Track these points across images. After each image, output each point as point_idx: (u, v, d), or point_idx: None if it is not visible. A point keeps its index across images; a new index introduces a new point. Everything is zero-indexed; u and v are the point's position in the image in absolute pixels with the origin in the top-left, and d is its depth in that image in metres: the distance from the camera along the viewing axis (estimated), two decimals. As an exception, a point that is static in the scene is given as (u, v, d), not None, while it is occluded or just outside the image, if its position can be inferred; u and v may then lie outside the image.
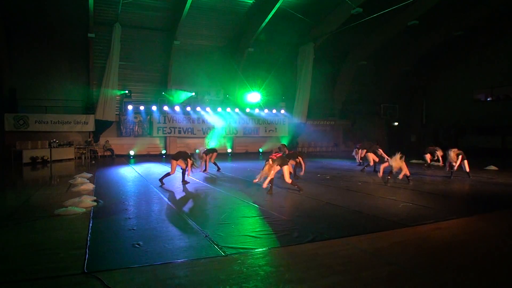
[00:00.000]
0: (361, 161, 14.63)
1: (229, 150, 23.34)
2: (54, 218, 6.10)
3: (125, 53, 20.03)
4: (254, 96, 22.73)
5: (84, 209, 6.61)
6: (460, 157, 10.99)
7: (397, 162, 9.43)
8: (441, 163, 13.84)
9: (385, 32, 22.93)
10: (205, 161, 13.07)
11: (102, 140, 20.38)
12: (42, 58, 19.24)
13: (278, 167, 8.14)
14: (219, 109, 22.49)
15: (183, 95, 21.75)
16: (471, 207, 7.00)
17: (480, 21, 21.86)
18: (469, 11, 21.27)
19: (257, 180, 8.11)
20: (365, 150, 13.41)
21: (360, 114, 27.43)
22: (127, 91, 20.58)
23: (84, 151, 19.36)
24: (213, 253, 4.33)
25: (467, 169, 11.08)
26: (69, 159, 18.50)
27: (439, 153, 13.91)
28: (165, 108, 21.17)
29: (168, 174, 9.94)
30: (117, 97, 20.32)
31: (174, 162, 9.79)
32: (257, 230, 5.30)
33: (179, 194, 8.53)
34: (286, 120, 24.46)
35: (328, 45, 23.35)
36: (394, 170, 9.65)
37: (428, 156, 14.09)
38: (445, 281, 3.59)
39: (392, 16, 19.73)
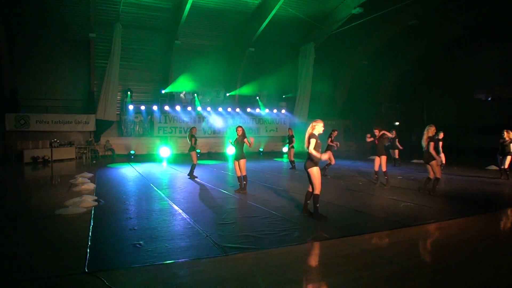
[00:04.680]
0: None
1: (230, 150, 23.38)
2: (55, 218, 6.11)
3: (126, 53, 20.04)
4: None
5: (85, 209, 6.62)
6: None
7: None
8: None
9: (385, 31, 22.92)
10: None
11: (103, 140, 20.40)
12: (43, 58, 19.27)
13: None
14: (220, 109, 22.52)
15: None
16: (472, 207, 6.99)
17: (480, 20, 21.83)
18: (470, 11, 21.25)
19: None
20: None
21: (361, 114, 27.41)
22: (129, 92, 20.63)
23: (85, 151, 19.38)
24: (214, 253, 4.33)
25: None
26: (70, 159, 18.53)
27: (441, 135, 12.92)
28: (166, 108, 21.19)
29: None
30: (118, 97, 20.34)
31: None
32: (257, 229, 5.30)
33: (179, 194, 8.54)
34: (287, 120, 24.46)
35: (329, 45, 23.33)
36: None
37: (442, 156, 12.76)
38: (445, 280, 3.59)
39: (392, 15, 19.71)
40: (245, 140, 8.55)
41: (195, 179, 10.99)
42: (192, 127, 11.47)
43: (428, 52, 25.68)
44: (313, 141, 5.83)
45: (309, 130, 6.00)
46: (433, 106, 27.41)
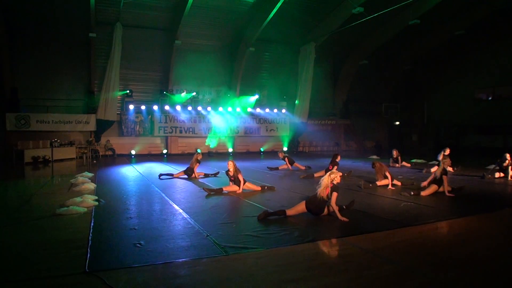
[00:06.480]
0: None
1: (230, 150, 23.36)
2: (56, 217, 6.12)
3: (126, 52, 20.04)
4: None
5: (86, 209, 6.63)
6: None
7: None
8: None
9: (386, 31, 22.92)
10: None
11: (103, 140, 20.42)
12: (43, 58, 19.27)
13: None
14: (220, 109, 22.52)
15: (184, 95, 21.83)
16: (472, 206, 7.00)
17: (481, 20, 21.84)
18: (471, 11, 21.26)
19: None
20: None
21: (361, 113, 27.42)
22: (128, 91, 20.62)
23: (86, 151, 19.39)
24: (214, 252, 4.34)
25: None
26: (71, 159, 18.53)
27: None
28: (166, 107, 21.18)
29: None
30: (119, 97, 20.35)
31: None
32: (258, 229, 5.30)
33: (180, 194, 8.54)
34: (287, 120, 24.46)
35: (329, 44, 23.34)
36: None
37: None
38: (446, 280, 3.60)
39: (393, 15, 19.72)
40: (239, 176, 8.38)
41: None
42: (198, 154, 11.81)
43: (428, 51, 25.68)
44: (335, 194, 5.88)
45: (329, 182, 5.88)
46: (433, 106, 27.42)
